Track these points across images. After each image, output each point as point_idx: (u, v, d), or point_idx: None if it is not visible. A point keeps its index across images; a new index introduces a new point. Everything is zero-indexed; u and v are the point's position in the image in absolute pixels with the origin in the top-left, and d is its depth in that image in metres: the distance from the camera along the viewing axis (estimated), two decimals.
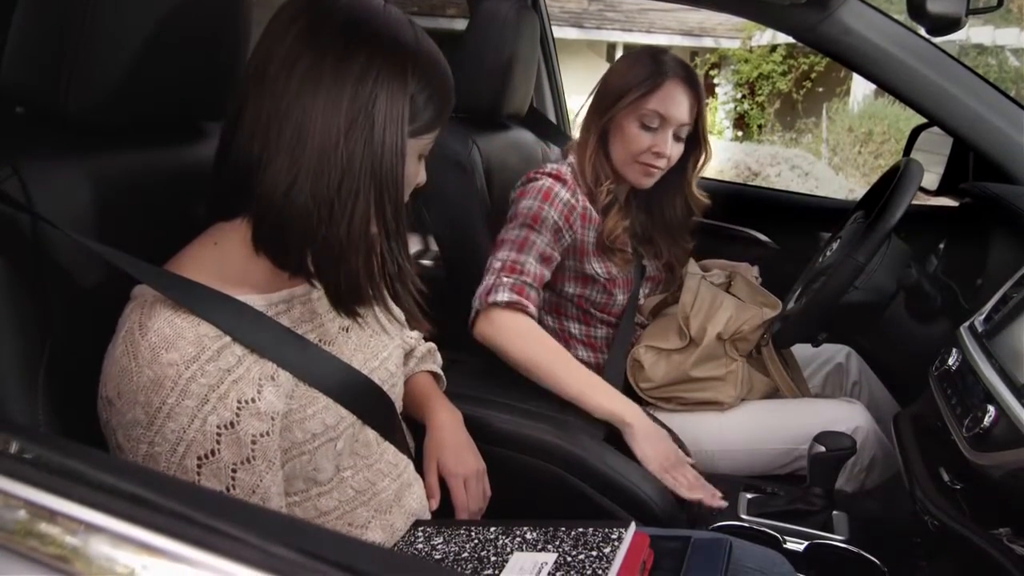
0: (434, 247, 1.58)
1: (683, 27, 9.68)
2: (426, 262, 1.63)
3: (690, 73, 1.36)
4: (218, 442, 0.66)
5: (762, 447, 1.32)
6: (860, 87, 8.80)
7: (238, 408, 0.67)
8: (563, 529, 0.83)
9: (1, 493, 0.45)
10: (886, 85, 1.40)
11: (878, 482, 1.33)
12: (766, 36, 9.28)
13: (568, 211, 1.32)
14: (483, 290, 1.23)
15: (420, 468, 0.97)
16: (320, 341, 0.78)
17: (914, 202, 1.21)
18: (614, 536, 0.80)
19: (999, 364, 0.93)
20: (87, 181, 0.74)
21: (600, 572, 0.74)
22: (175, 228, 0.74)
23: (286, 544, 0.41)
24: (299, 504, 0.78)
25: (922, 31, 1.36)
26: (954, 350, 1.05)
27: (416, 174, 0.77)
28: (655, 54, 1.36)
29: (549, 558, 0.77)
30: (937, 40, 1.39)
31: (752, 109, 9.91)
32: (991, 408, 0.88)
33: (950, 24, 1.27)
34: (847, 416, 1.31)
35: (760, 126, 9.93)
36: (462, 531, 0.86)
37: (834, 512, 1.14)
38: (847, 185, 7.51)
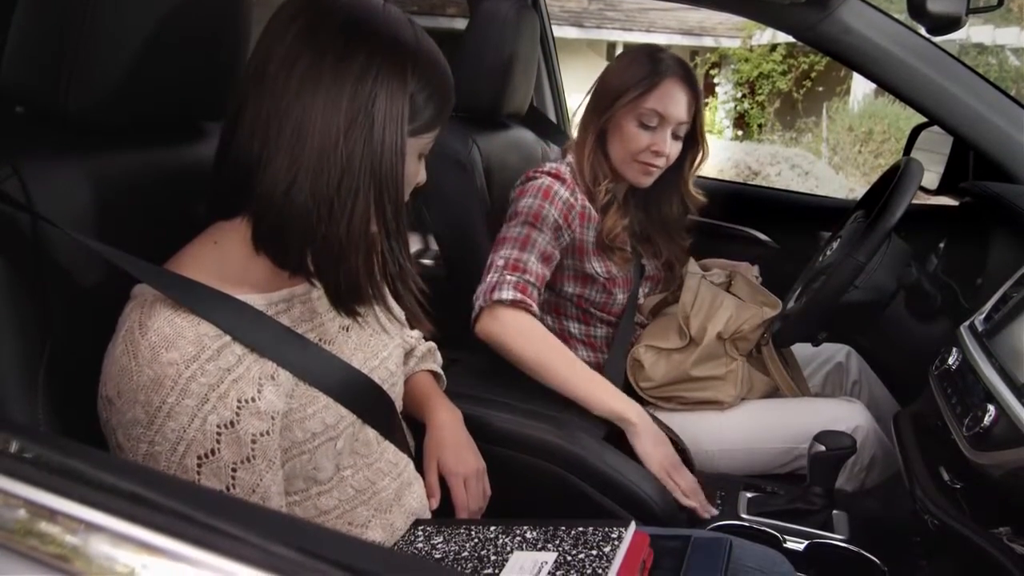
0: (434, 246, 1.58)
1: (683, 26, 9.67)
2: (426, 261, 1.63)
3: (688, 71, 1.36)
4: (218, 441, 0.66)
5: (762, 446, 1.32)
6: (860, 86, 8.79)
7: (238, 407, 0.67)
8: (563, 528, 0.83)
9: (1, 492, 0.45)
10: (886, 84, 1.40)
11: (878, 481, 1.33)
12: (766, 35, 9.28)
13: (567, 210, 1.32)
14: (487, 287, 1.22)
15: (420, 467, 0.97)
16: (320, 340, 0.78)
17: (914, 201, 1.21)
18: (614, 535, 0.80)
19: (999, 363, 0.93)
20: (87, 181, 0.74)
21: (600, 571, 0.74)
22: (175, 227, 0.74)
23: (286, 543, 0.41)
24: (299, 503, 0.78)
25: (922, 30, 1.36)
26: (954, 349, 1.05)
27: (416, 173, 0.77)
28: (652, 53, 1.36)
29: (549, 557, 0.77)
30: (937, 39, 1.39)
31: (752, 108, 9.91)
32: (991, 407, 0.88)
33: (950, 23, 1.27)
34: (847, 415, 1.31)
35: (760, 125, 9.92)
36: (462, 530, 0.86)
37: (834, 511, 1.14)
38: (847, 184, 7.51)
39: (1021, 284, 1.06)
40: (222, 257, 0.72)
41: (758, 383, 1.37)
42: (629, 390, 1.34)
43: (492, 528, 0.86)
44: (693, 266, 1.50)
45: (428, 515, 0.93)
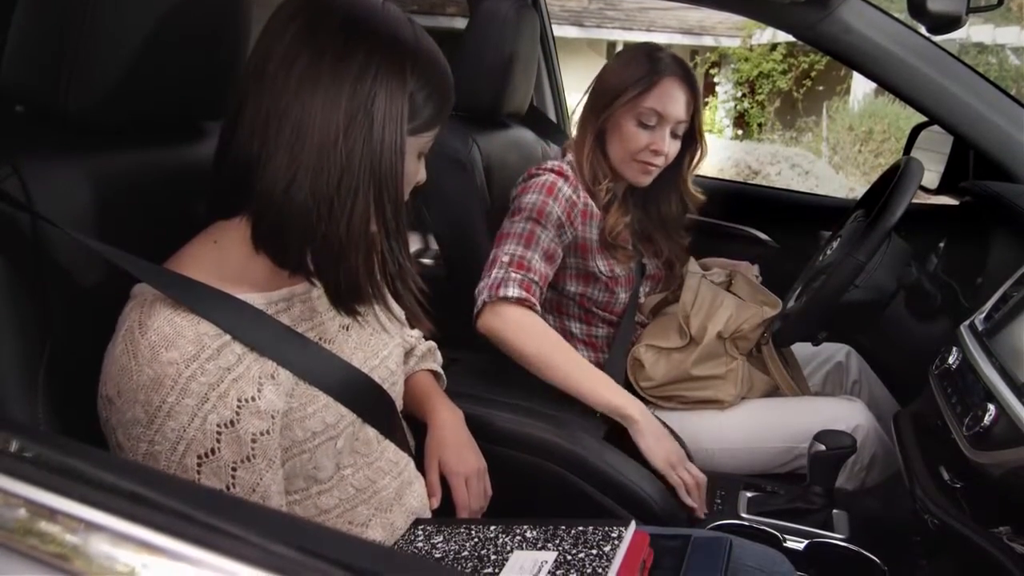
0: (434, 246, 1.58)
1: (683, 25, 9.67)
2: (426, 260, 1.63)
3: (686, 70, 1.36)
4: (218, 441, 0.66)
5: (762, 445, 1.32)
6: (860, 85, 8.79)
7: (238, 407, 0.67)
8: (563, 528, 0.83)
9: (1, 492, 0.45)
10: (886, 83, 1.40)
11: (878, 481, 1.33)
12: (766, 35, 9.27)
13: (570, 207, 1.32)
14: (491, 283, 1.22)
15: (421, 466, 0.97)
16: (320, 339, 0.78)
17: (914, 201, 1.21)
18: (614, 535, 0.80)
19: (999, 363, 0.93)
20: (87, 180, 0.74)
21: (600, 571, 0.74)
22: (175, 227, 0.74)
23: (286, 542, 0.41)
24: (299, 502, 0.78)
25: (922, 29, 1.36)
26: (954, 349, 1.05)
27: (416, 172, 0.77)
28: (651, 52, 1.36)
29: (549, 556, 0.77)
30: (937, 38, 1.39)
31: (752, 108, 9.90)
32: (991, 407, 0.88)
33: (950, 22, 1.27)
34: (847, 414, 1.31)
35: (760, 125, 9.92)
36: (462, 529, 0.86)
37: (834, 511, 1.14)
38: (847, 184, 7.51)
39: (1021, 283, 1.06)
40: (222, 256, 0.72)
41: (758, 382, 1.37)
42: (629, 389, 1.33)
43: (492, 527, 0.86)
44: (693, 265, 1.50)
45: (428, 514, 0.93)
